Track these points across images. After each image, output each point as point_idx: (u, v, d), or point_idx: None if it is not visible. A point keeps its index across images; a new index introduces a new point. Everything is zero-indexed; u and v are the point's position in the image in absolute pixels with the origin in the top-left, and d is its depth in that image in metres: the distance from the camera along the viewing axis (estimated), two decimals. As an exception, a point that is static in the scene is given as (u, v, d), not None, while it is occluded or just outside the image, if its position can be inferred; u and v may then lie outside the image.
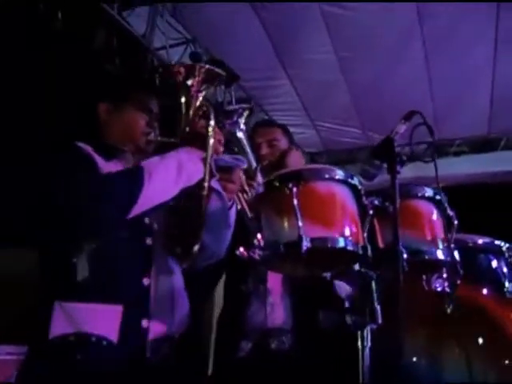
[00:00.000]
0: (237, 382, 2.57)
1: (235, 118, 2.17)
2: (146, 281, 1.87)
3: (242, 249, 2.01)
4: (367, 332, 2.07)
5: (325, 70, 6.19)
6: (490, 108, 6.48)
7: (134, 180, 1.65)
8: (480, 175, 6.99)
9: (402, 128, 2.06)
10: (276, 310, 2.64)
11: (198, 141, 1.81)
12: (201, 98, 1.92)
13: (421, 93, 6.22)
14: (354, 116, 6.91)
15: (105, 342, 1.68)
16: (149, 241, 1.96)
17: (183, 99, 1.88)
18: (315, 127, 7.29)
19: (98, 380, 1.64)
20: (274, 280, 2.65)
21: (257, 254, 2.02)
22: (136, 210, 1.64)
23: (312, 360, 2.59)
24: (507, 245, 2.61)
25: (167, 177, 1.70)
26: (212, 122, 1.79)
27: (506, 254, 2.57)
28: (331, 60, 6.04)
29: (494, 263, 2.58)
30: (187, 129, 1.89)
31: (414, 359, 2.50)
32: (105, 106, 2.09)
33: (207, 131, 1.79)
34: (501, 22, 5.23)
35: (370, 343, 2.07)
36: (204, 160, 1.77)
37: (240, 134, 2.21)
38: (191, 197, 1.77)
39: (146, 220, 1.98)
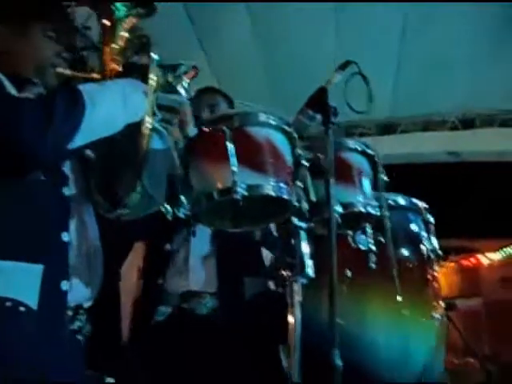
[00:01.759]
0: (154, 349, 2.40)
1: (178, 73, 1.96)
2: (64, 236, 1.60)
3: (168, 206, 1.85)
4: (298, 287, 2.01)
5: (241, 49, 6.14)
6: (392, 93, 6.85)
7: (73, 103, 1.37)
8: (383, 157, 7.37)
9: (337, 77, 2.01)
10: (197, 271, 2.51)
11: (135, 73, 1.57)
12: (131, 25, 1.70)
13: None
14: (269, 95, 6.93)
15: (22, 308, 1.39)
16: (66, 190, 1.69)
17: (107, 23, 1.65)
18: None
19: (13, 353, 1.38)
20: (199, 241, 2.51)
21: (181, 212, 1.88)
22: (78, 141, 1.39)
23: (235, 326, 2.49)
24: (425, 205, 2.70)
25: (113, 106, 1.46)
26: (153, 54, 1.57)
27: (424, 214, 2.66)
28: (248, 39, 6.00)
29: (413, 223, 2.66)
30: (116, 63, 1.66)
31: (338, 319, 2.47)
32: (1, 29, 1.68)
33: (147, 63, 1.56)
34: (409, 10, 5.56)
35: (300, 298, 2.01)
36: (146, 94, 1.54)
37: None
38: (130, 135, 1.53)
39: (64, 167, 1.71)
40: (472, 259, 13.64)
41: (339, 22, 5.86)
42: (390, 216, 2.31)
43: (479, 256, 12.91)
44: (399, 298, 2.42)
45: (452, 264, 14.53)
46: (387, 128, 7.52)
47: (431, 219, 2.74)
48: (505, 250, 11.13)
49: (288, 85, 6.54)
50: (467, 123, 7.41)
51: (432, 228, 2.72)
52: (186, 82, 1.86)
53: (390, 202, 2.45)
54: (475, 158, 7.64)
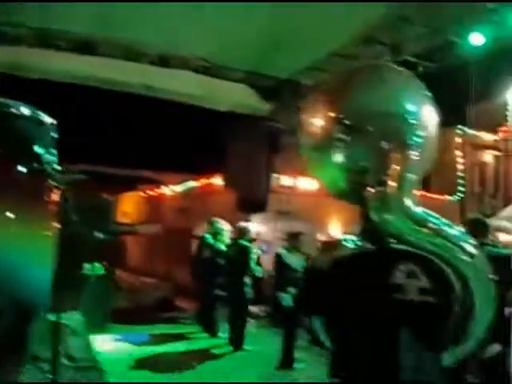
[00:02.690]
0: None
1: None
2: None
3: None
4: None
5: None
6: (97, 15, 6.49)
7: None
8: (78, 76, 6.97)
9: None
10: None
11: None
12: None
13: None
14: None
15: None
16: None
17: None
18: None
19: None
20: None
21: None
22: None
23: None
24: (52, 120, 2.51)
25: None
26: None
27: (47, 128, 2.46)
28: None
29: (34, 134, 2.39)
30: None
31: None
32: None
33: None
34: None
35: None
36: None
37: None
38: None
39: None
40: (157, 190, 14.84)
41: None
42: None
43: (163, 187, 14.14)
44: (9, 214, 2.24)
45: (140, 193, 15.47)
46: (86, 47, 7.05)
47: (55, 135, 2.55)
48: (185, 183, 12.49)
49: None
50: (164, 61, 7.73)
51: (53, 143, 2.51)
52: None
53: (12, 110, 2.30)
54: (168, 96, 8.06)
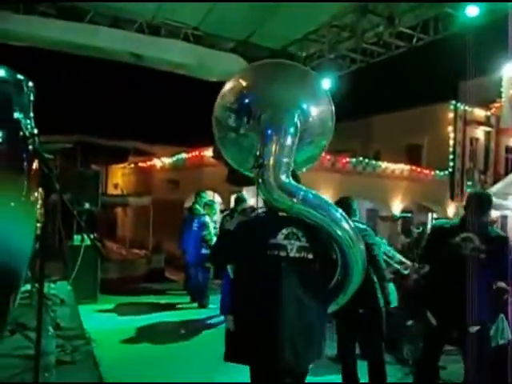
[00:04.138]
0: None
1: None
2: None
3: None
4: None
5: None
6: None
7: None
8: (66, 44, 6.78)
9: None
10: None
11: None
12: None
13: None
14: None
15: None
16: None
17: None
18: None
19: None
20: None
21: None
22: None
23: None
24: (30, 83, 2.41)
25: None
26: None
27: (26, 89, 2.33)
28: None
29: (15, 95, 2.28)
30: None
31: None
32: None
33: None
34: None
35: None
36: None
37: None
38: None
39: None
40: (148, 162, 14.72)
41: None
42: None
43: (155, 159, 14.02)
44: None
45: (131, 165, 15.36)
46: (74, 14, 6.86)
47: (31, 97, 2.48)
48: (177, 155, 12.38)
49: None
50: (154, 30, 7.55)
51: (31, 105, 2.45)
52: None
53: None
54: (158, 66, 7.90)
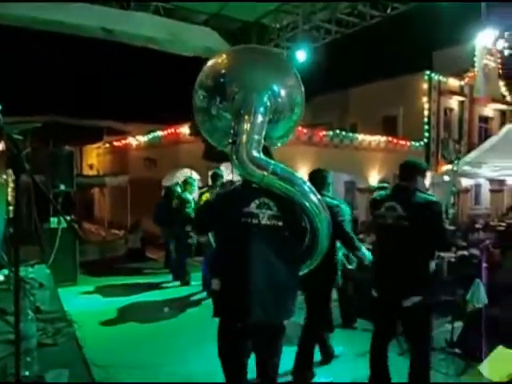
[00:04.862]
0: None
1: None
2: None
3: None
4: None
5: None
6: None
7: None
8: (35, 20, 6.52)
9: None
10: None
11: None
12: None
13: None
14: None
15: None
16: None
17: None
18: None
19: None
20: None
21: None
22: None
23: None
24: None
25: None
26: None
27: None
28: None
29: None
30: None
31: None
32: None
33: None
34: None
35: None
36: None
37: None
38: None
39: None
40: (123, 141, 14.47)
41: None
42: None
43: (130, 138, 13.78)
44: None
45: (106, 144, 15.08)
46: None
47: None
48: (151, 134, 12.19)
49: None
50: (125, 3, 7.33)
51: None
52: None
53: None
54: (128, 40, 7.67)
